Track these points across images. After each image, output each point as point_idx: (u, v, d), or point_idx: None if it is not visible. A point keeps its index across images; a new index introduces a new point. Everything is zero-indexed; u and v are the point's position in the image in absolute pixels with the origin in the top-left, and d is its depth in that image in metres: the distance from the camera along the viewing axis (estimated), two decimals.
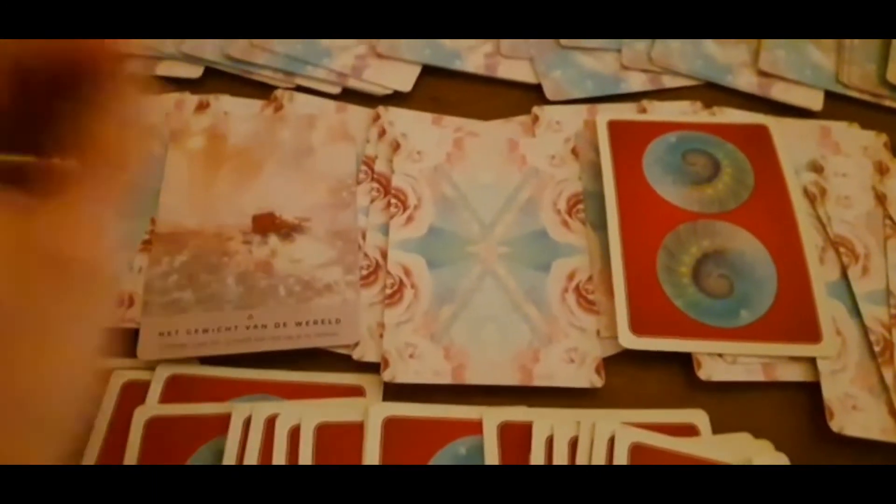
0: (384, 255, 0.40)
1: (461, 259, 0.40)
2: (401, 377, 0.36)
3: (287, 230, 0.40)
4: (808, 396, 0.37)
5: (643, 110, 0.46)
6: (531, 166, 0.43)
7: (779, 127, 0.44)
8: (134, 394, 0.36)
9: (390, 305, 0.38)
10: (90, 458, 0.34)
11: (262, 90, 0.47)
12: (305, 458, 0.33)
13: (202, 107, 0.45)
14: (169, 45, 0.48)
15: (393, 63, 0.47)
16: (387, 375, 0.36)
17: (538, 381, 0.36)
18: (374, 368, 0.37)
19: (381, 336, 0.37)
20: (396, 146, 0.43)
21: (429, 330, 0.37)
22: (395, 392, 0.36)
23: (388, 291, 0.38)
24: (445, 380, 0.36)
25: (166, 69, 0.47)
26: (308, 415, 0.34)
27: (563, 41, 0.48)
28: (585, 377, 0.36)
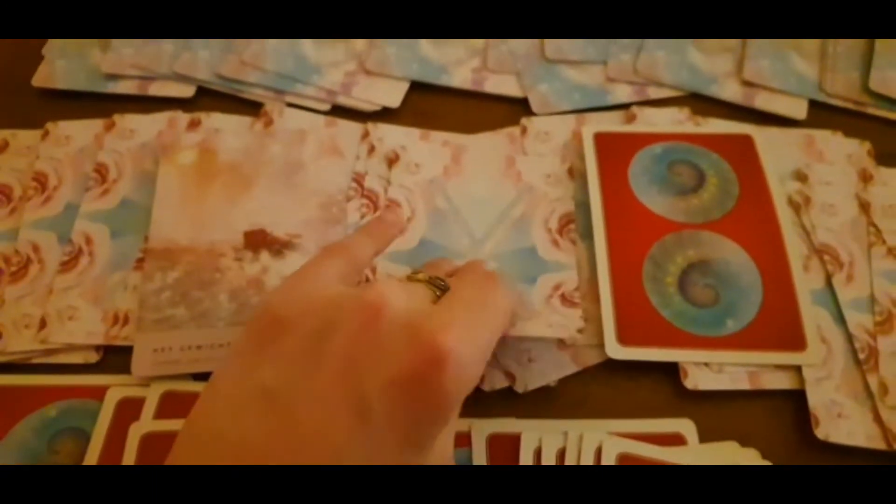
0: (373, 270, 0.40)
1: None
2: None
3: (278, 246, 0.41)
4: (793, 404, 0.37)
5: (633, 117, 0.46)
6: (526, 183, 0.43)
7: (763, 136, 0.45)
8: (129, 410, 0.36)
9: None
10: None
11: (253, 108, 0.47)
12: None
13: (194, 124, 0.46)
14: (161, 64, 0.48)
15: (381, 79, 0.48)
16: None
17: (514, 332, 0.36)
18: None
19: None
20: (395, 158, 0.44)
21: None
22: None
23: None
24: None
25: (159, 89, 0.48)
26: None
27: (549, 54, 0.49)
28: (566, 331, 0.37)
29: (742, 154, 0.44)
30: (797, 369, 0.37)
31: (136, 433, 0.35)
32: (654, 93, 0.48)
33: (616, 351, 0.37)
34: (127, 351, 0.38)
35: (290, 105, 0.47)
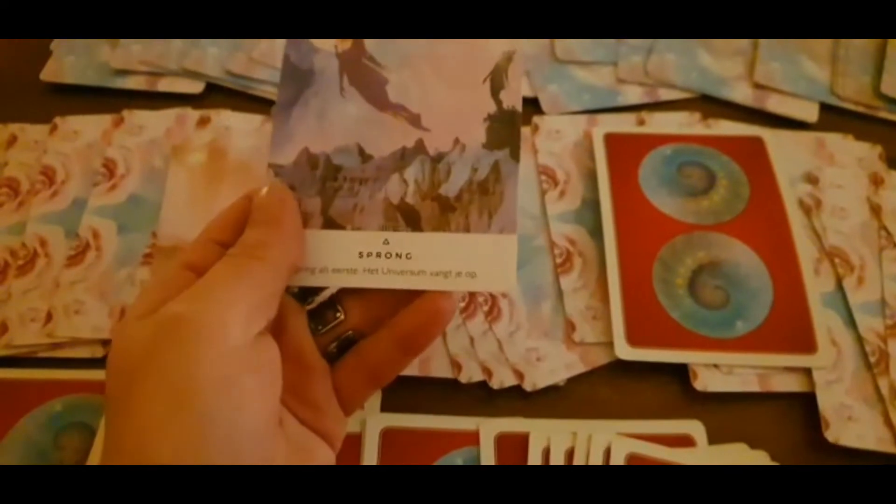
0: None
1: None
2: None
3: None
4: (803, 407, 0.37)
5: (642, 122, 0.46)
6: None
7: (774, 139, 0.44)
8: None
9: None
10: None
11: (262, 105, 0.47)
12: None
13: (203, 122, 0.46)
14: (171, 61, 0.48)
15: None
16: None
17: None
18: None
19: None
20: None
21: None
22: (392, 403, 0.36)
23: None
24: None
25: (168, 85, 0.48)
26: None
27: (559, 55, 0.49)
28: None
29: (753, 156, 0.44)
30: (807, 372, 0.37)
31: None
32: (665, 94, 0.47)
33: (625, 351, 0.37)
34: None
35: None
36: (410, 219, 0.29)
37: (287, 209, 0.28)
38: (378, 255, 0.29)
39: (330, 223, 0.29)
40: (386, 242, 0.29)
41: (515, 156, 0.30)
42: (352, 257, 0.29)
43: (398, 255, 0.29)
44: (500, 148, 0.30)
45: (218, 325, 0.24)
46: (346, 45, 0.31)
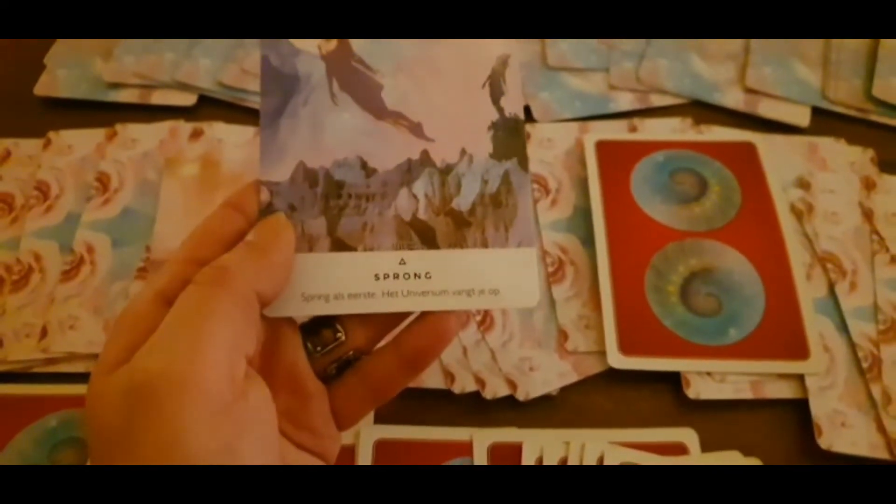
0: None
1: None
2: None
3: None
4: (796, 414, 0.37)
5: (633, 128, 0.46)
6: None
7: (766, 144, 0.44)
8: None
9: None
10: None
11: (255, 116, 0.47)
12: None
13: (196, 134, 0.46)
14: (163, 73, 0.48)
15: None
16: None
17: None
18: None
19: None
20: None
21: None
22: (386, 414, 0.37)
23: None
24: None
25: (161, 98, 0.48)
26: None
27: (551, 62, 0.49)
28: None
29: (744, 162, 0.44)
30: (800, 378, 0.37)
31: None
32: (657, 100, 0.48)
33: (618, 360, 0.37)
34: None
35: None
36: (426, 236, 0.28)
37: (280, 240, 0.26)
38: (396, 276, 0.27)
39: (339, 244, 0.27)
40: (402, 262, 0.27)
41: (524, 165, 0.29)
42: (367, 280, 0.27)
43: (417, 276, 0.27)
44: (507, 158, 0.29)
45: (196, 381, 0.21)
46: (330, 45, 0.29)
